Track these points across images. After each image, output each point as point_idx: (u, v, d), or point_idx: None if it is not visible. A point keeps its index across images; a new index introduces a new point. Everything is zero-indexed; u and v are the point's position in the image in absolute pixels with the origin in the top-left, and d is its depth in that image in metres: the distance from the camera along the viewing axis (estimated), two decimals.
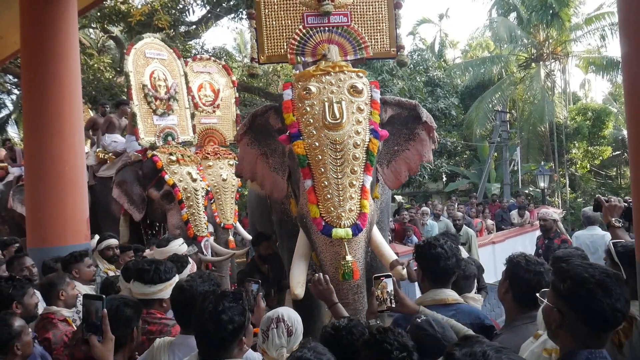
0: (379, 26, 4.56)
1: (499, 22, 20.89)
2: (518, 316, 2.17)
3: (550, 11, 19.09)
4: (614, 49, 29.64)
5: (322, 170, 3.74)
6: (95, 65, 14.11)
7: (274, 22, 4.40)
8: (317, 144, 3.78)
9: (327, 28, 4.46)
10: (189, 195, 6.35)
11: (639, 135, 1.92)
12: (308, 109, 3.92)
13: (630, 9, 1.96)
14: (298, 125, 3.89)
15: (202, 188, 6.53)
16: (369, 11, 4.56)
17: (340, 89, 4.01)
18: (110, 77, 14.89)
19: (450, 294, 2.45)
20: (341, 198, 3.69)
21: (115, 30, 15.79)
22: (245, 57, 22.54)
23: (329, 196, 3.69)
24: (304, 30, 4.41)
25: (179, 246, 4.45)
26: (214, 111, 7.94)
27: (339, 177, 3.74)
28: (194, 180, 6.47)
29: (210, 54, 14.74)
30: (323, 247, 3.60)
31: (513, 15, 21.43)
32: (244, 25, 15.69)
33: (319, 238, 3.61)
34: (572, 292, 1.55)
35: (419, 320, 2.07)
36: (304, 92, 3.99)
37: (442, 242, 2.50)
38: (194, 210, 6.31)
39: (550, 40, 20.78)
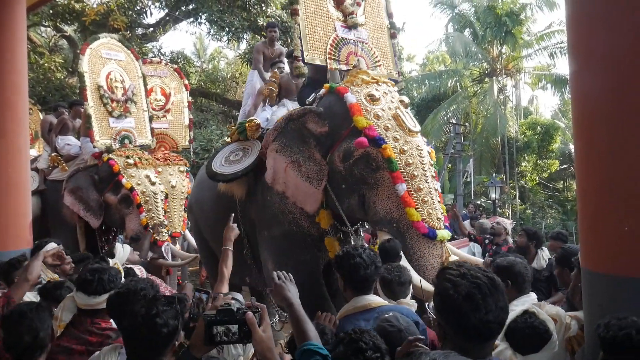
0: (385, 49, 4.97)
1: (455, 37, 21.42)
2: None
3: (504, 28, 19.71)
4: (562, 66, 30.91)
5: (415, 174, 3.78)
6: (46, 64, 13.66)
7: (312, 25, 4.47)
8: (405, 148, 3.83)
9: (352, 41, 4.65)
10: (147, 199, 6.21)
11: (585, 148, 1.98)
12: (380, 113, 3.95)
13: (578, 29, 2.02)
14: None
15: (162, 192, 6.41)
16: (376, 36, 4.93)
17: (394, 99, 4.13)
18: (62, 77, 14.44)
19: (372, 299, 2.51)
20: (434, 201, 3.77)
21: (69, 30, 15.34)
22: (203, 62, 22.31)
23: (426, 199, 3.74)
24: (337, 39, 4.55)
25: (123, 252, 4.29)
26: (165, 115, 7.79)
27: (428, 181, 3.83)
28: (153, 183, 6.35)
29: (167, 58, 14.51)
30: (425, 250, 3.61)
31: (468, 31, 22.01)
32: (202, 29, 15.53)
33: (420, 242, 3.62)
34: (442, 309, 1.55)
35: (387, 316, 2.19)
36: (369, 98, 4.03)
37: (360, 251, 2.54)
38: (153, 215, 6.17)
39: (504, 57, 21.45)
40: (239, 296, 1.87)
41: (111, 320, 2.68)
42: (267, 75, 6.39)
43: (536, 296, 2.92)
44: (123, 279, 3.19)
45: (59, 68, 14.43)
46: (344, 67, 4.60)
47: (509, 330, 1.95)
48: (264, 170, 4.59)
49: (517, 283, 2.51)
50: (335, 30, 4.59)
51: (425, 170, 3.86)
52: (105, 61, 6.75)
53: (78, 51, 14.34)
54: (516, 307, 2.49)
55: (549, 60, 21.14)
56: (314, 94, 4.49)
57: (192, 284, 2.01)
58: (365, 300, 2.48)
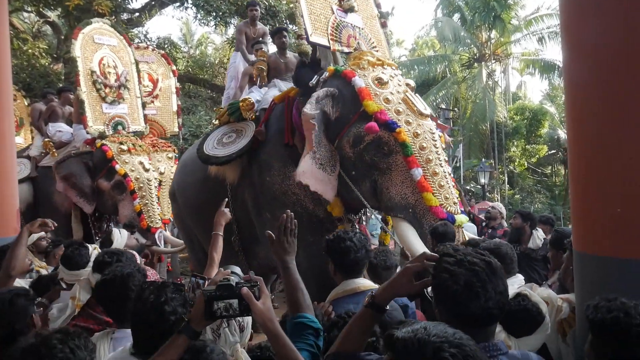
0: (378, 37, 4.89)
1: (444, 22, 21.37)
2: None
3: (493, 13, 19.68)
4: (551, 51, 30.93)
5: (430, 157, 3.71)
6: (30, 50, 13.41)
7: (313, 6, 4.37)
8: (418, 131, 3.74)
9: (350, 24, 4.57)
10: (141, 185, 6.18)
11: (578, 130, 1.98)
12: (390, 97, 3.86)
13: (571, 13, 2.01)
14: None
15: (155, 178, 6.38)
16: (369, 23, 4.86)
17: (401, 83, 4.05)
18: (46, 63, 14.20)
19: (361, 283, 2.49)
20: (450, 185, 3.70)
21: (52, 15, 15.05)
22: (190, 47, 22.06)
23: (442, 183, 3.67)
24: (337, 22, 4.45)
25: (121, 238, 4.24)
26: (152, 102, 7.71)
27: (442, 165, 3.76)
28: (147, 170, 6.32)
29: (154, 44, 14.31)
30: None
31: (457, 15, 21.96)
32: (189, 14, 15.31)
33: None
34: (441, 299, 1.53)
35: None
36: (377, 81, 3.94)
37: (350, 235, 2.52)
38: (147, 201, 6.17)
39: (492, 41, 21.44)
40: (237, 270, 1.85)
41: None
42: (252, 57, 6.27)
43: (523, 277, 2.94)
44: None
45: (43, 54, 14.18)
46: (346, 49, 4.51)
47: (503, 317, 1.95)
48: (261, 151, 4.52)
49: (505, 264, 2.51)
50: (334, 13, 4.50)
51: (439, 154, 3.80)
52: (97, 46, 6.68)
53: (62, 37, 14.15)
54: None
55: (537, 45, 21.20)
56: (316, 76, 4.35)
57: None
58: (354, 284, 2.48)
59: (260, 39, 6.53)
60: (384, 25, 5.07)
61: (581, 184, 1.97)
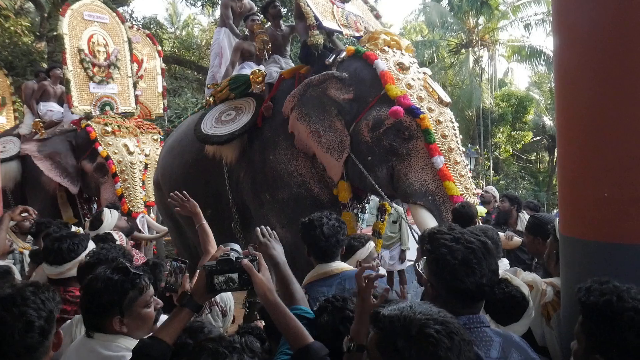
0: (377, 27, 4.73)
1: (432, 7, 21.31)
2: None
3: None
4: (536, 38, 30.96)
5: (452, 146, 3.65)
6: (12, 28, 13.16)
7: None
8: (441, 119, 3.67)
9: (351, 12, 4.52)
10: (124, 168, 6.09)
11: (567, 114, 1.99)
12: (412, 82, 3.78)
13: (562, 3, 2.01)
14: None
15: (140, 162, 6.28)
16: (366, 14, 4.79)
17: (419, 70, 3.98)
18: (29, 41, 13.92)
19: (334, 266, 2.49)
20: (469, 175, 3.67)
21: None
22: (177, 28, 21.75)
23: (463, 173, 3.62)
24: (339, 10, 4.39)
25: (112, 218, 4.20)
26: (137, 82, 7.61)
27: (461, 154, 3.70)
28: (131, 153, 6.23)
29: (139, 24, 14.09)
30: None
31: (446, 1, 21.89)
32: None
33: None
34: (437, 273, 1.59)
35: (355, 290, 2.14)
36: (399, 66, 3.85)
37: (324, 221, 2.50)
38: (129, 185, 6.09)
39: (480, 27, 21.45)
40: (236, 246, 1.88)
41: None
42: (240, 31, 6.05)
43: (508, 262, 2.96)
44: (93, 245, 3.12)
45: (26, 32, 13.90)
46: (356, 34, 4.44)
47: (487, 303, 1.96)
48: (265, 127, 4.35)
49: None
50: (334, 4, 4.45)
51: (459, 144, 3.74)
52: (87, 23, 6.50)
53: (45, 14, 13.85)
54: None
55: (523, 32, 21.28)
56: (334, 55, 4.20)
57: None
58: (328, 267, 2.47)
59: (248, 13, 6.25)
60: (377, 17, 4.99)
61: (569, 168, 1.99)
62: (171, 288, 2.24)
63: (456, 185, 3.54)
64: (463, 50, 22.02)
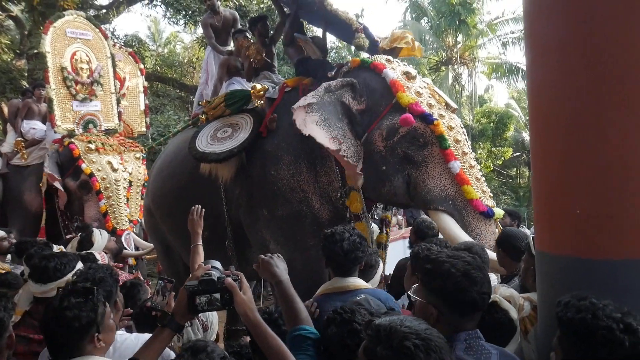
0: None
1: (411, 26, 21.60)
2: None
3: (458, 17, 20.02)
4: (514, 55, 31.60)
5: (465, 150, 3.68)
6: None
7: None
8: (452, 125, 3.70)
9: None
10: (108, 185, 6.08)
11: (540, 132, 2.05)
12: (420, 90, 3.82)
13: (534, 18, 2.07)
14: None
15: (124, 179, 6.25)
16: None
17: (422, 79, 4.03)
18: (9, 59, 13.81)
19: (351, 282, 2.51)
20: (483, 179, 3.71)
21: (15, 9, 14.62)
22: (159, 46, 21.74)
23: (479, 176, 3.66)
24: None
25: (102, 240, 4.14)
26: (120, 99, 7.60)
27: (474, 158, 3.75)
28: (115, 170, 6.22)
29: (121, 41, 14.07)
30: (482, 227, 3.52)
31: (425, 19, 22.23)
32: (158, 12, 15.10)
33: (478, 219, 3.52)
34: (443, 289, 1.66)
35: (359, 299, 2.21)
36: (405, 75, 3.89)
37: (346, 235, 2.52)
38: (113, 202, 6.07)
39: (459, 46, 21.80)
40: (217, 264, 1.88)
41: None
42: (226, 48, 6.02)
43: (496, 277, 2.99)
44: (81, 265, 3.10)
45: (5, 49, 13.79)
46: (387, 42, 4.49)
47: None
48: (267, 142, 4.29)
49: None
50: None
51: (470, 148, 3.78)
52: (70, 40, 6.46)
53: (26, 32, 13.75)
54: None
55: (501, 49, 21.66)
56: (337, 68, 4.22)
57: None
58: (344, 282, 2.48)
59: (232, 25, 6.30)
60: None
61: (542, 185, 2.05)
62: (157, 307, 2.24)
63: (474, 189, 3.59)
64: (443, 68, 22.33)
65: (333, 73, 4.21)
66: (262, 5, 13.36)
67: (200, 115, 5.03)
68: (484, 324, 1.96)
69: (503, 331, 2.05)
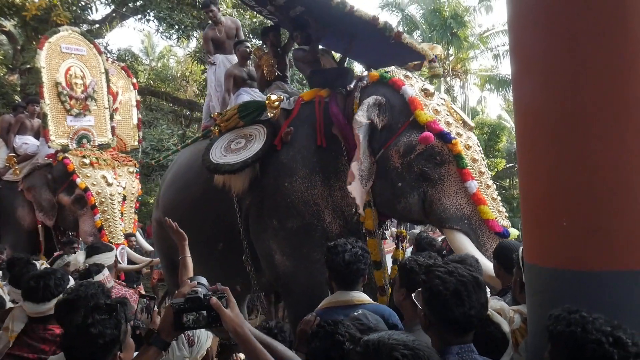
0: None
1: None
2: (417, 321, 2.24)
3: (450, 30, 20.21)
4: (506, 67, 31.91)
5: (482, 170, 3.68)
6: None
7: None
8: (469, 143, 3.70)
9: None
10: (103, 200, 6.08)
11: (526, 148, 2.07)
12: (438, 108, 3.82)
13: (519, 30, 2.10)
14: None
15: (119, 193, 6.25)
16: None
17: (439, 96, 4.04)
18: (2, 74, 13.81)
19: (355, 296, 2.52)
20: (499, 199, 3.69)
21: (8, 25, 14.66)
22: (152, 60, 21.80)
23: (495, 196, 3.65)
24: None
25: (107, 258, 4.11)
26: (113, 114, 7.61)
27: (490, 177, 3.75)
28: (110, 184, 6.22)
29: (114, 56, 14.11)
30: None
31: (417, 32, 22.42)
32: (151, 27, 15.15)
33: (493, 239, 3.50)
34: (430, 302, 1.73)
35: (356, 314, 2.20)
36: (423, 92, 3.90)
37: (348, 247, 2.54)
38: (108, 216, 6.08)
39: (451, 58, 21.98)
40: (203, 280, 1.87)
41: None
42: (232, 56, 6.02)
43: (488, 290, 3.00)
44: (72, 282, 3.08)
45: None
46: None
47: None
48: (282, 153, 4.29)
49: None
50: None
51: (486, 167, 3.77)
52: (64, 56, 6.51)
53: (18, 47, 13.77)
54: None
55: (492, 62, 21.88)
56: (356, 81, 4.21)
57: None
58: (348, 296, 2.49)
59: (236, 35, 6.31)
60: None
61: (530, 198, 2.06)
62: (140, 326, 2.22)
63: (490, 209, 3.58)
64: (435, 80, 22.49)
65: (352, 86, 4.21)
66: (254, 20, 13.43)
67: (212, 128, 4.99)
68: (476, 337, 1.97)
69: (495, 344, 2.05)
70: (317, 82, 4.59)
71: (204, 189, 4.64)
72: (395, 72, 4.22)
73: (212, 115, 5.26)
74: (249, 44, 5.59)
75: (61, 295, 2.54)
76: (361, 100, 4.00)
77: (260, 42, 5.41)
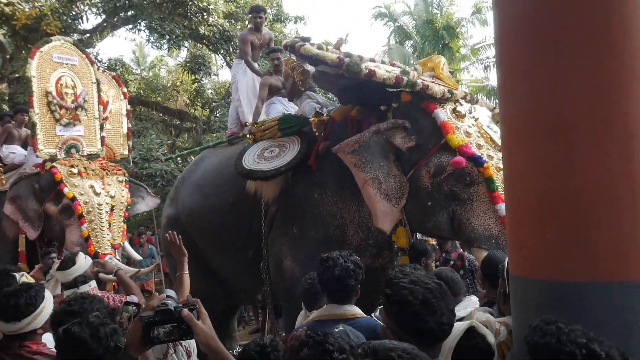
0: None
1: (396, 49, 21.92)
2: None
3: (442, 42, 20.37)
4: (495, 78, 32.23)
5: None
6: None
7: None
8: (500, 166, 3.67)
9: None
10: (90, 209, 6.00)
11: (511, 158, 2.08)
12: (469, 130, 3.87)
13: (505, 44, 2.11)
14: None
15: (107, 203, 6.19)
16: None
17: (470, 113, 4.08)
18: None
19: (348, 309, 2.48)
20: None
21: None
22: (143, 70, 21.78)
23: None
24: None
25: (85, 262, 4.08)
26: (103, 124, 7.57)
27: None
28: (97, 194, 6.15)
29: (104, 65, 14.07)
30: None
31: (409, 43, 22.58)
32: (142, 37, 15.14)
33: None
34: (399, 316, 1.66)
35: (337, 330, 2.13)
36: (455, 114, 3.94)
37: (340, 261, 2.51)
38: (95, 226, 5.98)
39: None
40: (172, 293, 1.82)
41: (44, 342, 2.55)
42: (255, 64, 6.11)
43: (477, 299, 2.99)
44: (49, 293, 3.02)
45: None
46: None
47: (455, 354, 1.97)
48: (315, 166, 4.39)
49: (449, 288, 2.57)
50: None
51: None
52: (56, 65, 6.46)
53: (8, 56, 13.70)
54: (458, 312, 2.56)
55: (483, 73, 22.03)
56: (392, 102, 4.21)
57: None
58: (341, 309, 2.46)
59: (267, 45, 6.38)
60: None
61: (515, 209, 2.07)
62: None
63: None
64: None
65: (385, 107, 4.23)
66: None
67: (247, 135, 5.08)
68: (462, 349, 1.96)
69: (481, 356, 2.03)
70: (347, 99, 4.62)
71: (237, 196, 4.74)
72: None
73: (247, 124, 5.36)
74: (282, 53, 5.65)
75: (39, 310, 2.50)
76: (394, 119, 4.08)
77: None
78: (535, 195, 1.93)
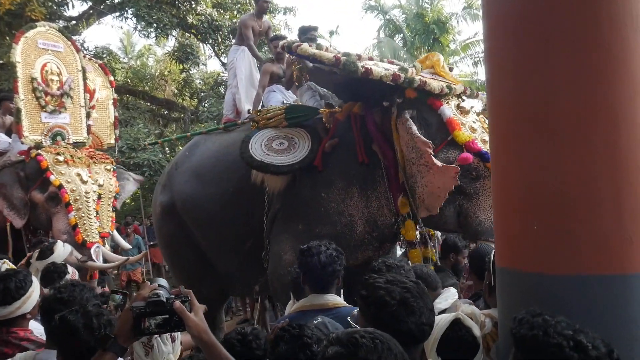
0: None
1: (385, 43, 21.91)
2: None
3: (432, 36, 20.39)
4: (484, 74, 32.37)
5: None
6: None
7: None
8: None
9: None
10: (77, 197, 5.93)
11: (499, 153, 2.09)
12: (474, 126, 3.91)
13: (494, 39, 2.12)
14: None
15: (94, 191, 6.13)
16: None
17: (472, 108, 4.13)
18: None
19: (330, 299, 2.49)
20: None
21: None
22: (131, 58, 21.55)
23: None
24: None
25: (63, 251, 4.05)
26: (90, 112, 7.48)
27: None
28: (84, 182, 6.08)
29: (91, 53, 13.90)
30: None
31: (399, 37, 22.57)
32: (129, 25, 14.95)
33: None
34: (377, 318, 1.60)
35: (316, 322, 2.11)
36: (459, 110, 3.99)
37: (322, 249, 2.52)
38: (83, 214, 5.91)
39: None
40: (164, 283, 1.79)
41: (30, 329, 2.55)
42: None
43: (455, 290, 3.02)
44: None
45: None
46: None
47: (440, 346, 1.97)
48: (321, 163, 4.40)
49: (426, 284, 2.58)
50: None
51: None
52: (41, 52, 6.35)
53: None
54: (439, 304, 2.58)
55: (473, 68, 22.11)
56: (396, 98, 4.19)
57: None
58: (323, 299, 2.47)
59: (266, 33, 6.38)
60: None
61: (501, 202, 2.08)
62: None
63: None
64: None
65: (389, 103, 4.21)
66: (234, 20, 13.37)
67: (250, 123, 5.01)
68: (447, 341, 1.96)
69: (466, 349, 2.04)
70: (347, 97, 4.61)
71: (237, 185, 4.71)
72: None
73: (250, 111, 5.29)
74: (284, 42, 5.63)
75: (28, 294, 2.50)
76: (398, 116, 4.09)
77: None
78: (522, 187, 1.94)
